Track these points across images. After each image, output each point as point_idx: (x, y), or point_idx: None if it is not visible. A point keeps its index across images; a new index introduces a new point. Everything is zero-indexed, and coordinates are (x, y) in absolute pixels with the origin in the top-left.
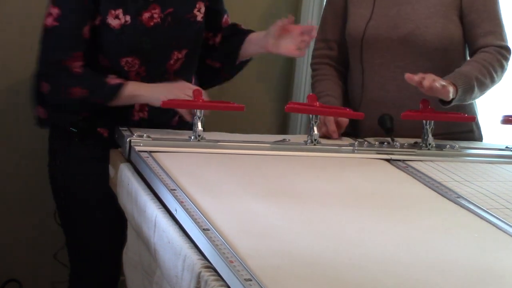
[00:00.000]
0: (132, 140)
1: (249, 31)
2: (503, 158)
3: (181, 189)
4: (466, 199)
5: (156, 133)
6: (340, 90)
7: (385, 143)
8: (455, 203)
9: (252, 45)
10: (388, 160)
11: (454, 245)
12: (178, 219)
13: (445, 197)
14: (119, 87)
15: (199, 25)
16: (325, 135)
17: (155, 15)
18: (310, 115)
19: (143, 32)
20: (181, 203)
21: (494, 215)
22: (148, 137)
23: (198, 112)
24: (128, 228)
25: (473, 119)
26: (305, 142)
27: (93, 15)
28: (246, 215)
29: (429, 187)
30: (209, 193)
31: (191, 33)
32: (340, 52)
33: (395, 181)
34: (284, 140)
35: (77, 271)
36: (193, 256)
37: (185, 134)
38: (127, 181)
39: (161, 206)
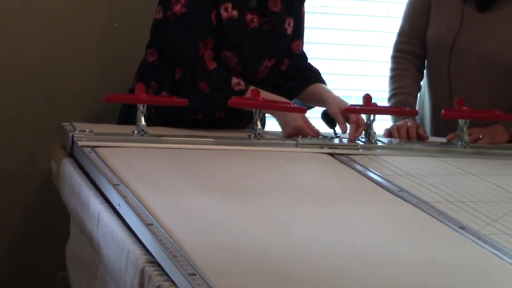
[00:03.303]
0: (74, 135)
1: (316, 79)
2: (445, 152)
3: (124, 184)
4: (408, 193)
5: (99, 128)
6: (417, 89)
7: (329, 137)
8: (398, 196)
9: (314, 99)
10: (331, 154)
11: (397, 238)
12: (122, 214)
13: (388, 190)
14: (243, 93)
15: (288, 38)
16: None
17: (255, 20)
18: (254, 110)
19: (246, 31)
20: (124, 198)
21: (436, 208)
22: (91, 132)
23: (141, 107)
24: (71, 223)
25: (415, 112)
26: (249, 137)
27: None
28: (190, 209)
29: (372, 181)
30: (152, 188)
31: (282, 44)
32: (423, 50)
33: (339, 175)
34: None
35: None
36: (137, 251)
37: (128, 128)
38: (69, 176)
39: (104, 201)
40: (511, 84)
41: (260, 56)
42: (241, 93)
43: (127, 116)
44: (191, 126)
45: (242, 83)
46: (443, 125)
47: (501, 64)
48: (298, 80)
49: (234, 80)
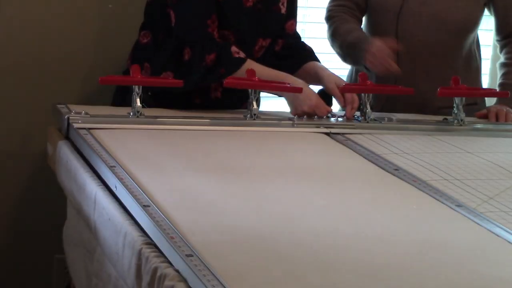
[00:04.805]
0: (70, 117)
1: (310, 57)
2: (441, 130)
3: (120, 166)
4: (405, 171)
5: (94, 110)
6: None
7: (325, 117)
8: (394, 175)
9: (309, 77)
10: (327, 134)
11: (393, 217)
12: (118, 196)
13: (384, 169)
14: (242, 61)
15: (282, 18)
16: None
17: None
18: (250, 90)
19: (242, 10)
20: (121, 180)
21: (433, 186)
22: (87, 114)
23: (137, 88)
24: (68, 205)
25: (411, 91)
26: (245, 117)
27: None
28: (186, 191)
29: (368, 160)
30: (149, 170)
31: (276, 23)
32: (361, 14)
33: (335, 155)
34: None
35: None
36: (134, 233)
37: (124, 110)
38: (66, 159)
39: (100, 183)
40: (460, 43)
41: (255, 35)
42: (240, 61)
43: (121, 98)
44: (187, 108)
45: (242, 53)
46: (385, 96)
47: (451, 23)
48: (292, 59)
49: (234, 48)
